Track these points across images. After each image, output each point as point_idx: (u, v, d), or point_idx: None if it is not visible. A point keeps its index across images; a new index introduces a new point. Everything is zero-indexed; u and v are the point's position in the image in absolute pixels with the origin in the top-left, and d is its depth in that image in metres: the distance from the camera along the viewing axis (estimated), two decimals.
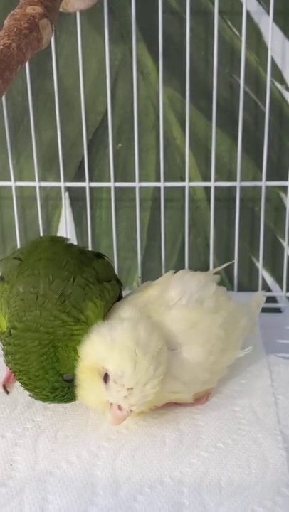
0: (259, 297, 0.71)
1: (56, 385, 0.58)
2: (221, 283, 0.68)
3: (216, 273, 0.71)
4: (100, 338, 0.57)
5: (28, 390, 0.59)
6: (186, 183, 0.81)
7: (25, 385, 0.59)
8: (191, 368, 0.60)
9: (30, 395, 0.60)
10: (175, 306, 0.62)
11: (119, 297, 0.65)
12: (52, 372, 0.58)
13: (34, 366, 0.57)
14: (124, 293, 0.67)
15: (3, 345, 0.59)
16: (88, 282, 0.61)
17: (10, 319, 0.59)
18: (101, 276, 0.63)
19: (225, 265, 0.76)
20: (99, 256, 0.66)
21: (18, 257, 0.64)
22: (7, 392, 0.65)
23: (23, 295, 0.59)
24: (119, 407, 0.55)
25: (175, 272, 0.67)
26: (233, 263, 0.84)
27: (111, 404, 0.56)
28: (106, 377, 0.55)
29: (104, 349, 0.56)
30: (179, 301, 0.62)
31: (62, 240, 0.67)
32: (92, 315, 0.59)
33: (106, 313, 0.62)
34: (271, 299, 0.87)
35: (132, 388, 0.54)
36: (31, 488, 0.54)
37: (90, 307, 0.60)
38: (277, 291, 0.88)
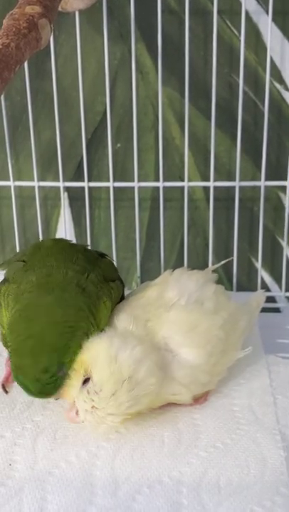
0: (259, 296, 0.71)
1: (51, 368, 0.55)
2: (219, 283, 0.68)
3: (215, 271, 0.71)
4: (102, 345, 0.57)
5: (17, 364, 0.56)
6: (185, 183, 0.81)
7: (18, 356, 0.56)
8: (192, 370, 0.60)
9: (15, 376, 0.57)
10: (174, 308, 0.62)
11: (121, 298, 0.65)
12: (52, 355, 0.56)
13: (39, 336, 0.56)
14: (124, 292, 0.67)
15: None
16: (98, 281, 0.61)
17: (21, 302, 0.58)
18: (107, 276, 0.63)
19: (223, 262, 0.76)
20: (102, 255, 0.66)
21: (21, 259, 0.63)
22: (6, 392, 0.65)
23: (38, 282, 0.58)
24: (77, 412, 0.56)
25: (173, 271, 0.67)
26: (232, 263, 0.84)
27: (74, 401, 0.57)
28: (85, 381, 0.56)
29: (103, 361, 0.56)
30: (178, 302, 0.62)
31: (65, 240, 0.67)
32: (102, 316, 0.59)
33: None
34: (270, 299, 0.87)
35: (96, 408, 0.55)
36: (30, 488, 0.54)
37: (101, 307, 0.60)
38: (276, 291, 0.88)
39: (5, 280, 0.62)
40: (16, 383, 0.66)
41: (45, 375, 0.55)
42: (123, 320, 0.61)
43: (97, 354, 0.56)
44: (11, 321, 0.58)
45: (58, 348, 0.56)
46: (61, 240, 0.67)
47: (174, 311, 0.61)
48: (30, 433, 0.60)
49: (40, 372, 0.55)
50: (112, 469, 0.56)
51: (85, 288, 0.59)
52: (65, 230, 0.85)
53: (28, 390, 0.56)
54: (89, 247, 0.67)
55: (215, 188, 0.81)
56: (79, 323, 0.57)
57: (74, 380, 0.56)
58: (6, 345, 0.64)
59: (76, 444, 0.59)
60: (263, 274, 0.88)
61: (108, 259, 0.66)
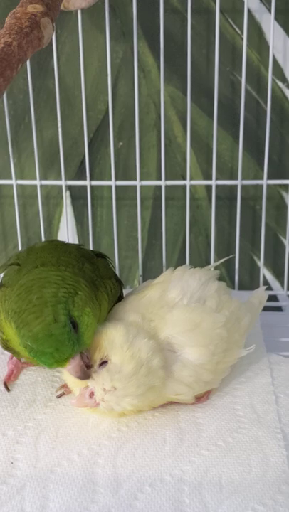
0: (261, 294, 0.71)
1: (60, 317, 0.54)
2: (221, 281, 0.68)
3: (216, 269, 0.71)
4: (120, 331, 0.57)
5: (27, 334, 0.54)
6: (187, 182, 0.81)
7: (26, 324, 0.54)
8: (195, 369, 0.60)
9: (23, 339, 0.54)
10: (176, 307, 0.62)
11: (119, 298, 0.65)
12: (58, 306, 0.54)
13: (49, 291, 0.55)
14: (125, 291, 0.67)
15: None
16: (93, 274, 0.61)
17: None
18: (102, 273, 0.63)
19: (224, 259, 0.76)
20: (99, 256, 0.66)
21: (15, 262, 0.63)
22: (8, 390, 0.65)
23: (35, 270, 0.58)
24: (91, 394, 0.56)
25: (175, 269, 0.67)
26: (234, 261, 0.84)
27: (87, 386, 0.57)
28: (102, 364, 0.56)
29: (122, 344, 0.56)
30: (180, 301, 0.62)
31: (58, 240, 0.67)
32: (102, 299, 0.60)
33: (108, 312, 0.62)
34: (272, 298, 0.87)
35: (115, 389, 0.55)
36: (32, 486, 0.54)
37: (100, 292, 0.60)
38: (278, 290, 0.88)
39: (1, 285, 0.62)
40: (18, 381, 0.66)
41: (57, 325, 0.53)
42: (131, 315, 0.61)
43: (113, 338, 0.57)
44: (13, 301, 0.56)
45: (62, 301, 0.54)
46: (54, 240, 0.68)
47: (177, 311, 0.61)
48: (32, 431, 0.60)
49: (50, 324, 0.53)
50: (113, 467, 0.56)
51: (83, 270, 0.59)
52: (67, 228, 0.85)
53: (45, 355, 0.54)
54: (83, 246, 0.67)
55: (217, 186, 0.81)
56: (80, 285, 0.56)
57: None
58: (6, 348, 0.64)
59: (78, 442, 0.59)
60: (265, 273, 0.88)
61: (104, 260, 0.66)
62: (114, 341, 0.57)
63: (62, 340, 0.54)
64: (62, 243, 0.66)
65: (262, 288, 0.72)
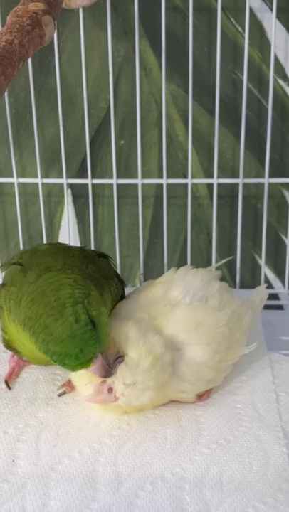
0: (262, 292, 0.71)
1: (81, 317, 0.53)
2: (223, 280, 0.68)
3: (218, 268, 0.71)
4: (132, 326, 0.58)
5: (47, 338, 0.53)
6: (188, 180, 0.81)
7: (46, 328, 0.53)
8: (197, 367, 0.60)
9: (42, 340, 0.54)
10: (179, 305, 0.62)
11: (121, 297, 0.65)
12: (77, 306, 0.53)
13: (66, 293, 0.54)
14: (126, 290, 0.67)
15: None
16: (97, 275, 0.61)
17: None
18: (105, 273, 0.63)
19: (225, 260, 0.76)
20: (100, 256, 0.66)
21: (17, 262, 0.62)
22: (9, 388, 0.65)
23: (39, 275, 0.57)
24: (110, 389, 0.56)
25: (177, 269, 0.67)
26: (236, 260, 0.84)
27: (103, 381, 0.56)
28: (118, 358, 0.57)
29: (137, 339, 0.57)
30: (182, 300, 0.62)
31: (61, 243, 0.68)
32: (107, 299, 0.60)
33: (110, 311, 0.62)
34: (273, 296, 0.87)
35: (135, 383, 0.56)
36: (33, 484, 0.54)
37: (105, 292, 0.60)
38: (279, 289, 0.88)
39: (3, 284, 0.62)
40: (19, 379, 0.66)
41: (79, 325, 0.52)
42: (137, 313, 0.61)
43: (126, 334, 0.57)
44: (26, 308, 0.56)
45: (80, 301, 0.54)
46: (56, 243, 0.68)
47: (179, 309, 0.62)
48: (33, 429, 0.60)
49: (73, 325, 0.52)
50: (114, 466, 0.56)
51: (88, 272, 0.59)
52: (68, 226, 0.85)
53: (70, 358, 0.53)
54: (85, 248, 0.67)
55: (218, 185, 0.81)
56: (90, 286, 0.56)
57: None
58: (8, 348, 0.64)
59: (79, 441, 0.59)
60: (267, 271, 0.88)
61: (106, 260, 0.66)
62: (129, 336, 0.57)
63: (87, 340, 0.53)
64: (65, 246, 0.66)
65: (262, 286, 0.73)
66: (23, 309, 0.56)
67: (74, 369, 0.54)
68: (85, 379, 0.58)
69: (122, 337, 0.57)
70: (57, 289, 0.55)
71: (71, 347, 0.52)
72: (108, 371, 0.55)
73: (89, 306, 0.54)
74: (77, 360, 0.53)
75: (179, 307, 0.62)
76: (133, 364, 0.56)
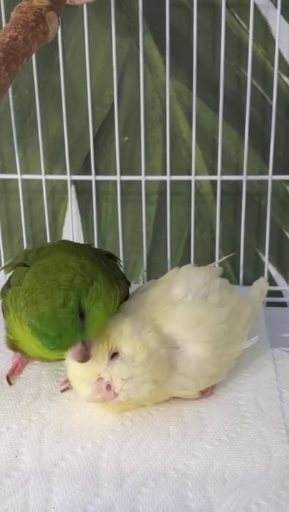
0: (262, 284, 0.71)
1: (68, 303, 0.53)
2: (226, 277, 0.69)
3: (221, 266, 0.71)
4: (126, 323, 0.58)
5: (34, 313, 0.53)
6: (192, 177, 0.81)
7: (36, 303, 0.53)
8: (199, 364, 0.60)
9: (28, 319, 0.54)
10: (180, 303, 0.62)
11: (125, 298, 0.65)
12: (69, 292, 0.53)
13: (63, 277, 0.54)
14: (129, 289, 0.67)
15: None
16: (108, 271, 0.61)
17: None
18: (114, 272, 0.63)
19: (227, 256, 0.76)
20: (109, 257, 0.66)
21: (22, 263, 0.62)
22: (10, 384, 0.65)
23: (55, 252, 0.57)
24: (109, 387, 0.56)
25: (179, 268, 0.67)
26: (239, 257, 0.83)
27: (100, 379, 0.57)
28: (114, 355, 0.57)
29: (131, 335, 0.57)
30: (184, 298, 0.63)
31: (69, 241, 0.67)
32: (115, 297, 0.60)
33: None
34: (277, 293, 0.87)
35: (133, 377, 0.56)
36: (36, 480, 0.54)
37: (114, 288, 0.60)
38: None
39: (9, 286, 0.62)
40: (21, 375, 0.66)
41: (64, 310, 0.53)
42: (137, 312, 0.61)
43: (120, 331, 0.57)
44: (28, 280, 0.56)
45: (75, 287, 0.54)
46: (64, 240, 0.68)
47: (181, 307, 0.62)
48: (36, 425, 0.60)
49: (57, 307, 0.52)
50: (117, 461, 0.56)
51: (100, 263, 0.59)
52: (72, 223, 0.85)
53: (47, 338, 0.53)
54: (95, 246, 0.67)
55: (222, 181, 0.81)
56: (97, 277, 0.56)
57: (98, 357, 0.57)
58: (13, 349, 0.64)
59: (82, 436, 0.59)
60: (270, 268, 0.88)
61: (112, 260, 0.65)
62: (123, 333, 0.57)
63: (66, 327, 0.53)
64: (73, 242, 0.66)
65: (262, 279, 0.73)
66: (25, 282, 0.56)
67: (51, 350, 0.54)
68: (81, 376, 0.58)
69: (116, 333, 0.57)
70: (59, 270, 0.55)
71: (50, 328, 0.53)
72: (85, 356, 0.54)
73: (85, 295, 0.54)
74: (54, 345, 0.53)
75: (180, 305, 0.62)
76: (128, 359, 0.56)
